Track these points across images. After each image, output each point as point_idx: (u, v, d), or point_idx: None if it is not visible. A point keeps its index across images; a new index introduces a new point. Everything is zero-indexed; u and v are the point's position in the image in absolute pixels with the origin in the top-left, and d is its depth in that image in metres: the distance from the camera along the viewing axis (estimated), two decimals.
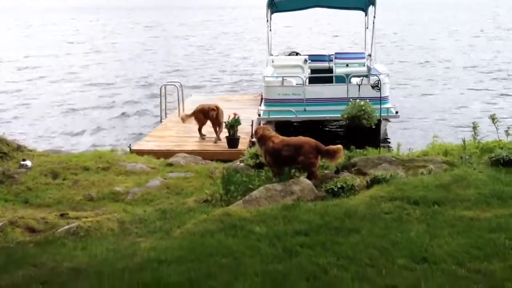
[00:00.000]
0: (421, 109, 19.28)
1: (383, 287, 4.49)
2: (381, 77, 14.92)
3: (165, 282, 4.68)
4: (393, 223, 5.98)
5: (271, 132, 8.36)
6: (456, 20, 45.72)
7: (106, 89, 25.62)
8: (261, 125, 10.71)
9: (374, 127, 13.33)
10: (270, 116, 15.38)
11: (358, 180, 7.88)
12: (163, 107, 16.44)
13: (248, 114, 15.21)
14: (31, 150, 11.17)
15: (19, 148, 10.88)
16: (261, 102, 17.15)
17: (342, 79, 15.81)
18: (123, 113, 20.78)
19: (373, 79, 15.04)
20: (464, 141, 9.02)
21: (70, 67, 31.80)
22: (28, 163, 9.80)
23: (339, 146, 7.96)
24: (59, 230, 6.43)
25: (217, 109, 13.43)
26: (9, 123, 19.35)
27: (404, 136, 15.53)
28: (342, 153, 7.98)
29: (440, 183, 7.14)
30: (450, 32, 40.89)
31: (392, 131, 15.92)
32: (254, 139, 9.99)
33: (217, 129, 13.52)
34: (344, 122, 14.17)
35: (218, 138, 13.38)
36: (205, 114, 13.61)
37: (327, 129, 16.97)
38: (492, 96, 21.34)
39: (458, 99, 20.63)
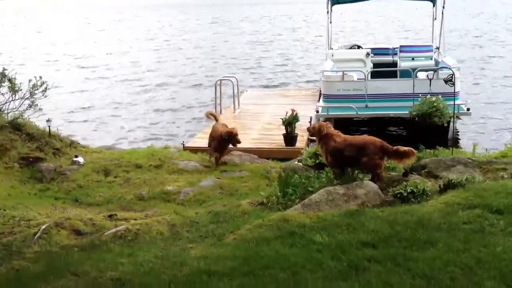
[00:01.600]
0: (492, 107, 17.98)
1: None
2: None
3: None
4: (474, 236, 5.24)
5: (333, 130, 7.71)
6: None
7: (163, 85, 25.55)
8: (320, 122, 10.00)
9: (446, 125, 12.41)
10: (329, 113, 14.68)
11: (429, 184, 7.14)
12: (218, 102, 16.03)
13: (306, 111, 14.57)
14: (84, 147, 10.99)
15: (72, 144, 10.70)
16: (319, 98, 16.46)
17: (407, 73, 14.89)
18: (177, 109, 20.57)
19: (443, 73, 14.03)
20: None
21: (132, 63, 32.07)
22: (81, 159, 9.59)
23: (410, 148, 7.22)
24: (106, 233, 6.05)
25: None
26: (66, 119, 19.46)
27: (476, 136, 14.45)
28: (414, 157, 7.24)
29: None
30: None
31: (462, 130, 14.86)
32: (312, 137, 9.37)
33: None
34: (410, 120, 13.28)
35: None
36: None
37: (390, 127, 16.05)
38: None
39: None
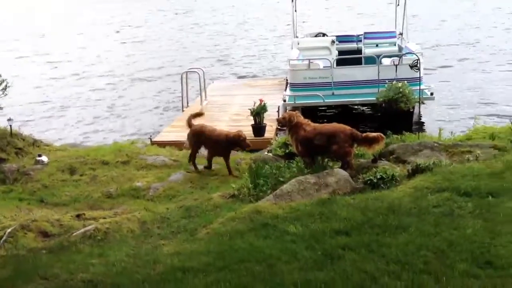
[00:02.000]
0: (454, 91, 18.26)
1: None
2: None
3: None
4: (444, 219, 5.30)
5: (302, 119, 7.69)
6: None
7: (125, 79, 25.11)
8: (289, 111, 9.96)
9: (412, 110, 12.54)
10: (296, 102, 14.67)
11: (398, 169, 7.20)
12: (185, 95, 15.85)
13: (274, 101, 14.54)
14: (47, 145, 10.72)
15: (35, 143, 10.44)
16: (286, 87, 16.45)
17: (372, 60, 15.00)
18: (143, 103, 20.24)
19: (408, 59, 14.17)
20: None
21: (90, 58, 31.41)
22: (44, 158, 9.35)
23: (379, 133, 7.26)
24: (74, 234, 5.91)
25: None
26: (26, 117, 18.93)
27: (439, 120, 14.65)
28: (382, 142, 7.28)
29: (492, 171, 6.43)
30: (487, 10, 39.17)
31: (426, 114, 15.05)
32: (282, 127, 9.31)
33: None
34: (377, 106, 13.38)
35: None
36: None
37: (357, 113, 16.16)
38: None
39: (493, 81, 19.47)
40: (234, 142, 8.64)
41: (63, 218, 6.44)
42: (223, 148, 8.69)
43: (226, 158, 8.72)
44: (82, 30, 44.52)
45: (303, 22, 23.78)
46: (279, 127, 9.05)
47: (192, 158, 8.96)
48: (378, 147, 7.35)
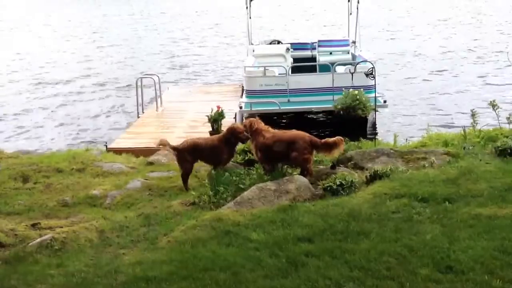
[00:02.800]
0: (407, 98, 18.75)
1: None
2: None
3: None
4: (403, 224, 5.43)
5: (263, 125, 7.70)
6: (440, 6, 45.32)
7: (77, 84, 24.54)
8: (247, 118, 9.93)
9: (368, 117, 12.77)
10: (253, 109, 14.72)
11: (356, 176, 7.32)
12: (140, 101, 15.63)
13: (230, 107, 14.52)
14: None
15: None
16: (242, 94, 16.48)
17: (326, 67, 15.22)
18: (97, 109, 19.83)
19: (364, 67, 14.45)
20: (464, 130, 8.51)
21: (41, 62, 30.57)
22: None
23: (339, 137, 7.34)
24: (30, 244, 5.71)
25: None
26: None
27: (393, 127, 15.01)
28: (342, 146, 7.36)
29: (447, 177, 6.62)
30: (433, 19, 40.39)
31: (380, 121, 15.37)
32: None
33: None
34: (335, 113, 13.57)
35: None
36: None
37: (312, 120, 16.33)
38: (480, 83, 20.85)
39: (444, 88, 20.11)
40: (234, 137, 7.77)
41: (18, 227, 6.22)
42: (224, 151, 7.86)
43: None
44: (35, 33, 43.28)
45: (260, 28, 23.81)
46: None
47: (186, 177, 7.91)
48: (338, 151, 7.42)
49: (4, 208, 7.47)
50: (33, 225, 6.35)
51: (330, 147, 7.35)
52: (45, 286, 4.56)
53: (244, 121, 8.28)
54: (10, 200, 7.77)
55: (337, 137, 7.36)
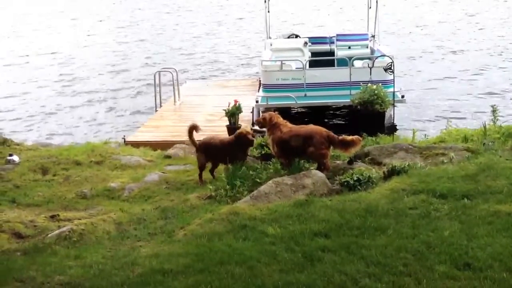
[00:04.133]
0: (426, 94, 18.50)
1: None
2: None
3: None
4: (421, 221, 5.38)
5: (281, 120, 7.72)
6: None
7: (100, 78, 24.70)
8: (265, 112, 9.87)
9: (386, 112, 12.67)
10: (269, 103, 14.68)
11: (374, 171, 7.27)
12: (158, 95, 15.71)
13: (247, 101, 14.51)
14: (18, 144, 10.47)
15: (5, 142, 10.18)
16: (259, 88, 16.45)
17: (344, 62, 15.13)
18: (115, 103, 19.96)
19: (382, 61, 14.33)
20: (484, 125, 8.40)
21: (62, 55, 30.80)
22: (15, 158, 9.13)
23: (356, 136, 7.32)
24: (49, 235, 5.78)
25: None
26: None
27: (411, 122, 14.85)
28: (359, 145, 7.34)
29: (466, 173, 6.53)
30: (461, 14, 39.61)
31: (398, 117, 15.23)
32: (256, 127, 9.25)
33: None
34: (353, 108, 13.49)
35: None
36: None
37: (330, 116, 16.26)
38: (501, 80, 20.51)
39: (464, 84, 19.83)
40: (243, 142, 7.80)
41: (37, 219, 6.30)
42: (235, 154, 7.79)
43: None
44: (52, 26, 43.62)
45: (278, 20, 23.63)
46: (258, 127, 8.85)
47: (200, 172, 8.00)
48: (354, 150, 7.41)
49: (24, 199, 7.58)
50: (52, 217, 6.43)
51: (347, 145, 7.33)
52: (63, 277, 4.61)
53: (262, 114, 8.26)
54: (30, 192, 7.87)
55: (355, 136, 7.34)
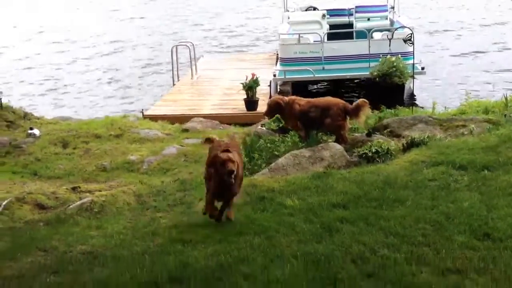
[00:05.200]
0: (447, 66, 18.20)
1: (445, 271, 3.87)
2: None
3: (193, 268, 4.10)
4: (440, 192, 5.36)
5: (290, 96, 7.80)
6: None
7: (117, 52, 24.74)
8: (275, 96, 9.67)
9: (405, 84, 12.51)
10: (286, 76, 14.60)
11: (393, 143, 7.23)
12: (175, 69, 15.69)
13: (265, 75, 14.43)
14: (38, 118, 10.59)
15: (26, 116, 10.30)
16: (276, 62, 16.34)
17: (363, 34, 14.91)
18: (134, 77, 19.97)
19: (402, 33, 14.10)
20: (506, 97, 8.26)
21: (79, 31, 30.82)
22: (36, 131, 9.24)
23: (362, 100, 7.31)
24: (71, 207, 5.88)
25: None
26: (15, 90, 18.62)
27: (431, 94, 14.63)
28: (366, 106, 7.28)
29: (487, 145, 6.47)
30: None
31: (417, 89, 15.01)
32: (266, 120, 8.93)
33: None
34: (372, 80, 13.33)
35: None
36: None
37: (348, 89, 16.10)
38: None
39: (486, 56, 19.39)
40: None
41: (59, 190, 6.40)
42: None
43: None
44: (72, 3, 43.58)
45: None
46: (268, 119, 8.43)
47: None
48: (363, 114, 7.34)
49: (45, 172, 7.70)
50: (73, 189, 6.53)
51: (357, 110, 7.31)
52: (85, 247, 4.70)
53: (269, 101, 8.07)
54: (51, 164, 7.99)
55: (360, 99, 7.33)
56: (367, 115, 7.57)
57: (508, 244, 4.14)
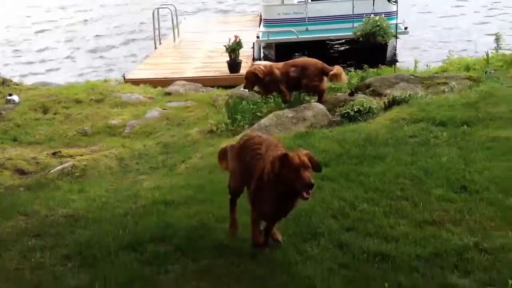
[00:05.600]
0: (429, 25, 18.13)
1: (422, 223, 3.94)
2: None
3: (176, 228, 4.12)
4: (420, 148, 5.40)
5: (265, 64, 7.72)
6: None
7: (96, 17, 24.24)
8: (250, 67, 9.41)
9: (388, 43, 12.45)
10: (270, 38, 14.49)
11: (374, 102, 7.25)
12: (157, 32, 15.45)
13: (248, 37, 14.27)
14: (17, 84, 10.43)
15: (5, 82, 10.15)
16: (260, 23, 16.16)
17: None
18: (114, 41, 19.64)
19: None
20: (487, 54, 8.27)
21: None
22: (16, 98, 9.12)
23: (337, 66, 7.29)
24: (52, 171, 5.86)
25: None
26: None
27: (414, 53, 14.60)
28: (341, 72, 7.27)
29: (467, 101, 6.51)
30: None
31: (400, 48, 14.98)
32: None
33: None
34: (355, 40, 13.25)
35: None
36: None
37: (331, 49, 16.02)
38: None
39: (468, 14, 19.33)
40: None
41: (39, 156, 6.37)
42: None
43: None
44: None
45: None
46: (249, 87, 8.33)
47: None
48: (341, 78, 7.33)
49: (25, 138, 7.63)
50: (54, 154, 6.50)
51: (334, 75, 7.27)
52: (67, 210, 4.69)
53: (246, 74, 7.83)
54: (31, 130, 7.92)
55: (335, 66, 7.29)
56: (342, 81, 7.54)
57: (484, 196, 4.21)
